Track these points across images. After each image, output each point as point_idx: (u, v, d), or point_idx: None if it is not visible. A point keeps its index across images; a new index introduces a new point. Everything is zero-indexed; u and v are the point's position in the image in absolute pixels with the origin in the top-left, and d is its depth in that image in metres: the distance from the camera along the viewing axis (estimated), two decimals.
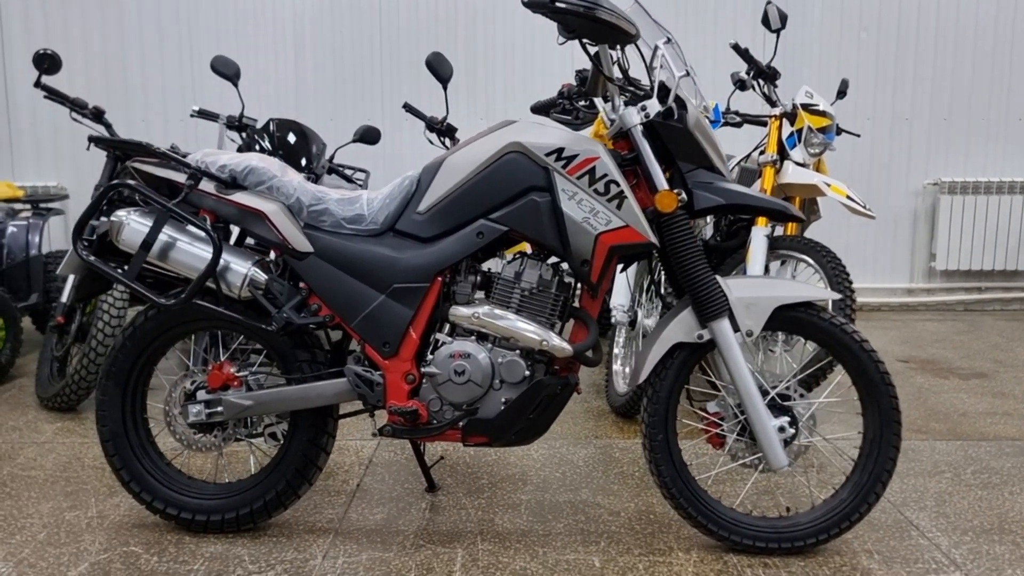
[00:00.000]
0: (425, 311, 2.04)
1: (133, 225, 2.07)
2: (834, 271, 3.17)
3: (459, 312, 2.01)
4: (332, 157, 3.75)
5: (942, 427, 3.05)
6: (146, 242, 2.03)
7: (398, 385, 2.05)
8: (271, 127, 3.47)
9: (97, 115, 3.47)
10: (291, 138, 3.46)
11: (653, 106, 1.98)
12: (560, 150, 1.95)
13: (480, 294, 2.08)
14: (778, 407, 2.04)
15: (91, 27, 5.43)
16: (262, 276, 2.08)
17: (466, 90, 5.46)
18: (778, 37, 3.43)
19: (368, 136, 3.84)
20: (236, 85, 3.52)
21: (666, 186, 1.96)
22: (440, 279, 2.04)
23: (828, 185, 3.28)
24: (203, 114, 3.63)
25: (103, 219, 2.11)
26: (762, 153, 3.49)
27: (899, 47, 5.33)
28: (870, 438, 2.05)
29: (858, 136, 3.86)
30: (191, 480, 2.23)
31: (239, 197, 2.08)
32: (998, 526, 2.21)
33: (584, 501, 2.37)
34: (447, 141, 3.86)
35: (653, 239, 1.95)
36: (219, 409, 2.12)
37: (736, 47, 3.45)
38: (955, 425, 3.08)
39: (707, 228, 4.02)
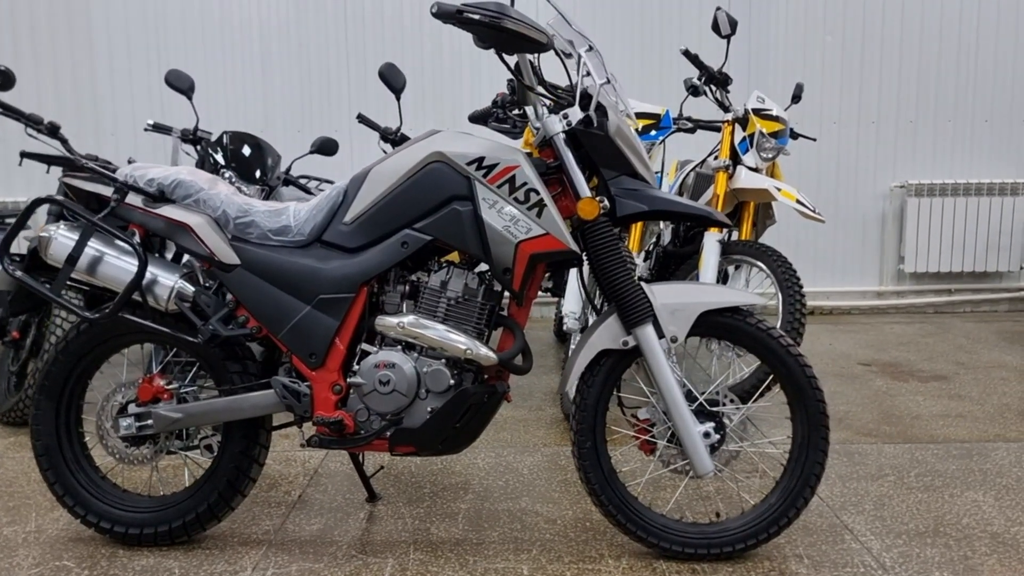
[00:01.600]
0: (351, 321, 2.04)
1: (60, 239, 2.07)
2: (785, 276, 3.18)
3: (385, 322, 2.01)
4: (289, 169, 3.76)
5: (893, 430, 3.05)
6: (71, 256, 2.04)
7: (325, 396, 2.05)
8: (224, 139, 3.48)
9: (52, 130, 3.46)
10: (245, 150, 3.47)
11: (575, 114, 1.99)
12: (481, 159, 1.96)
13: (409, 303, 2.08)
14: (706, 413, 2.05)
15: (60, 40, 5.45)
16: (189, 288, 2.08)
17: (432, 100, 5.47)
18: (728, 42, 3.44)
19: (326, 147, 3.85)
20: (190, 98, 3.54)
21: (588, 193, 1.97)
22: (366, 289, 2.04)
23: (779, 190, 3.30)
24: (157, 128, 3.64)
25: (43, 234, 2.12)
26: (716, 159, 3.50)
27: (864, 50, 5.36)
28: (798, 442, 2.05)
29: (814, 140, 3.87)
30: (125, 493, 2.22)
31: (166, 210, 2.08)
32: (933, 529, 2.21)
33: (523, 509, 2.37)
34: None
35: (573, 246, 1.95)
36: (149, 422, 2.12)
37: (687, 53, 3.47)
38: (906, 428, 3.08)
39: (665, 234, 4.03)
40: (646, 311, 1.99)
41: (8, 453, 2.96)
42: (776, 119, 3.48)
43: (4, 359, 3.49)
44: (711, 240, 3.36)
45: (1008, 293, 5.44)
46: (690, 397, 2.04)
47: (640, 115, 3.48)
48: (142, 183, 2.11)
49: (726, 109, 3.54)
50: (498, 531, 2.23)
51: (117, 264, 2.07)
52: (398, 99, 3.54)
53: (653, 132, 3.47)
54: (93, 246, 2.07)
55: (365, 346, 2.05)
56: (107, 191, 2.12)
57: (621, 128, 2.00)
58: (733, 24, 3.38)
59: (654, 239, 3.95)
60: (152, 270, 2.08)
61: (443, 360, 2.02)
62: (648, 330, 1.99)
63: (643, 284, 2.02)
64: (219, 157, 3.43)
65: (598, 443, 2.06)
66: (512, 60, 1.96)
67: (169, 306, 2.07)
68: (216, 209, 2.10)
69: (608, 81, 2.02)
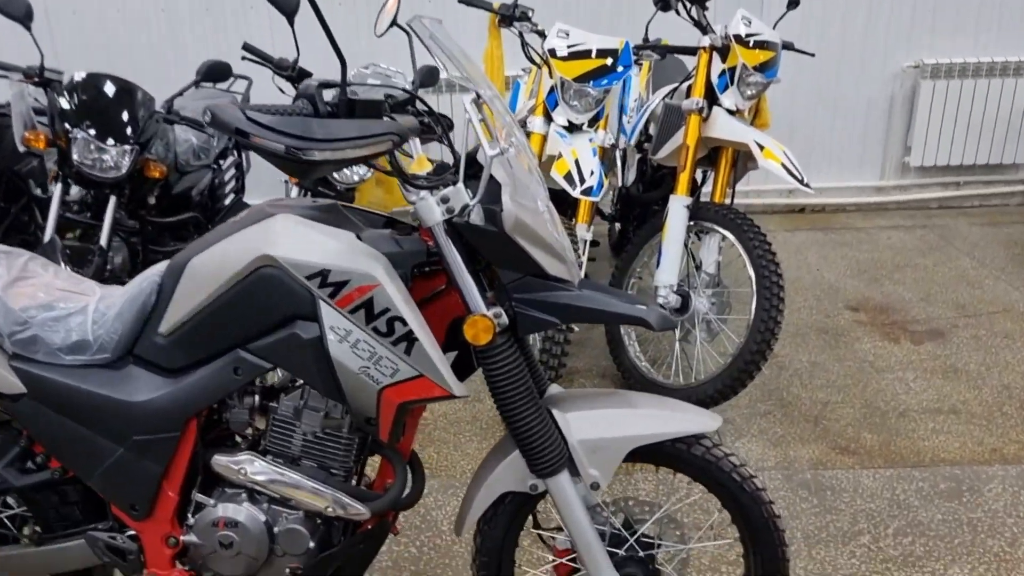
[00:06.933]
0: (180, 463, 1.58)
1: None
2: (760, 255, 2.66)
3: (222, 463, 1.55)
4: (170, 107, 3.07)
5: (874, 441, 2.66)
6: None
7: (158, 550, 1.63)
8: (75, 82, 2.81)
9: None
10: (104, 99, 2.81)
11: (457, 199, 1.41)
12: (324, 273, 1.41)
13: (262, 420, 1.60)
14: (636, 559, 1.64)
15: None
16: None
17: (330, 20, 4.57)
18: None
19: (214, 73, 3.11)
20: (29, 28, 2.80)
21: (482, 310, 1.43)
22: (196, 420, 1.56)
23: (762, 148, 2.68)
24: None
25: None
26: (687, 96, 2.85)
27: None
28: None
29: (812, 56, 3.16)
30: None
31: None
32: None
33: None
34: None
35: (456, 390, 1.45)
36: None
37: None
38: (890, 437, 2.68)
39: (630, 173, 3.44)
40: (558, 459, 1.52)
41: None
42: (765, 45, 2.78)
43: None
44: (677, 205, 2.79)
45: (1021, 186, 4.85)
46: (619, 538, 1.63)
47: (598, 52, 2.77)
48: None
49: (704, 30, 2.82)
50: None
51: None
52: (291, 23, 2.79)
53: (605, 80, 2.77)
54: None
55: (200, 497, 1.59)
56: None
57: (520, 218, 1.42)
58: None
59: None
60: None
61: (302, 512, 1.58)
62: (561, 479, 1.54)
63: (555, 413, 1.54)
64: (66, 104, 2.78)
65: None
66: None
67: None
68: None
69: (504, 151, 1.41)
